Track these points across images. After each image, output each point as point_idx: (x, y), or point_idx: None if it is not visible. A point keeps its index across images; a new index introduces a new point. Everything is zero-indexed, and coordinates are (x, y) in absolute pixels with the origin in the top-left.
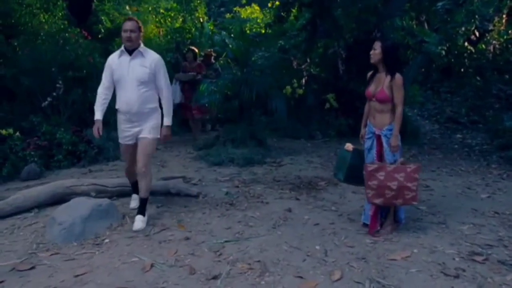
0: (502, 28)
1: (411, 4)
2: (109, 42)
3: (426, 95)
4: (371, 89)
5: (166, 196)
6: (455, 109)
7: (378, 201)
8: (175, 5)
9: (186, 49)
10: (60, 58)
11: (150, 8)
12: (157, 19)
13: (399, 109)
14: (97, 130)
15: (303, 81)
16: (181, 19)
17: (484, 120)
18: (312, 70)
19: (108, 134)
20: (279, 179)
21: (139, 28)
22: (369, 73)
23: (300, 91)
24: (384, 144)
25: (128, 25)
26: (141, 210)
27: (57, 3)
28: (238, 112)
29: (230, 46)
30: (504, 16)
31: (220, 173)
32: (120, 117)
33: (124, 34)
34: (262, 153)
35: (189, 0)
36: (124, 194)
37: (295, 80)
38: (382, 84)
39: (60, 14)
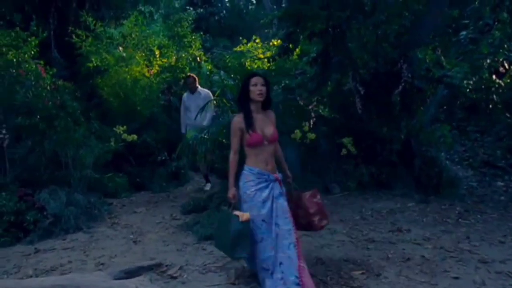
0: None
1: (435, 33)
2: (88, 82)
3: (453, 135)
4: (260, 131)
5: None
6: (489, 151)
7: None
8: (167, 41)
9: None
10: (6, 101)
11: (138, 45)
12: (146, 57)
13: (279, 147)
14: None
15: (311, 123)
16: (174, 57)
17: None
18: (320, 110)
19: (69, 197)
20: None
21: (195, 79)
22: (241, 116)
23: (312, 136)
24: (283, 188)
25: (190, 79)
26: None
27: (28, 40)
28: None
29: (225, 82)
30: None
31: (211, 254)
32: (189, 127)
33: (188, 86)
34: None
35: (183, 36)
36: None
37: (305, 123)
38: (270, 123)
39: (33, 52)
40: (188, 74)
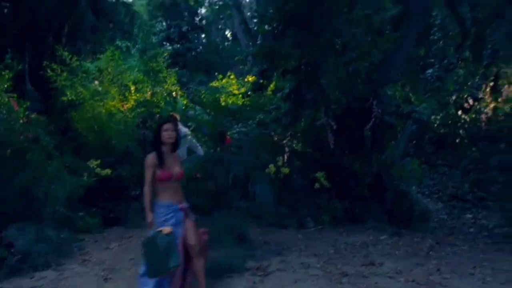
0: (487, 96)
1: (403, 71)
2: (63, 116)
3: (422, 169)
4: (169, 170)
5: None
6: (457, 184)
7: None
8: (142, 77)
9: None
10: None
11: (113, 80)
12: (121, 92)
13: None
14: None
15: (285, 158)
16: (149, 92)
17: (492, 197)
18: (294, 145)
19: (39, 233)
20: None
21: (176, 118)
22: (154, 155)
23: (286, 170)
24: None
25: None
26: None
27: (1, 73)
28: (212, 199)
29: (199, 118)
30: (491, 83)
31: None
32: None
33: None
34: (243, 254)
35: (158, 71)
36: None
37: (279, 158)
38: (178, 163)
39: (6, 85)
40: (171, 113)
